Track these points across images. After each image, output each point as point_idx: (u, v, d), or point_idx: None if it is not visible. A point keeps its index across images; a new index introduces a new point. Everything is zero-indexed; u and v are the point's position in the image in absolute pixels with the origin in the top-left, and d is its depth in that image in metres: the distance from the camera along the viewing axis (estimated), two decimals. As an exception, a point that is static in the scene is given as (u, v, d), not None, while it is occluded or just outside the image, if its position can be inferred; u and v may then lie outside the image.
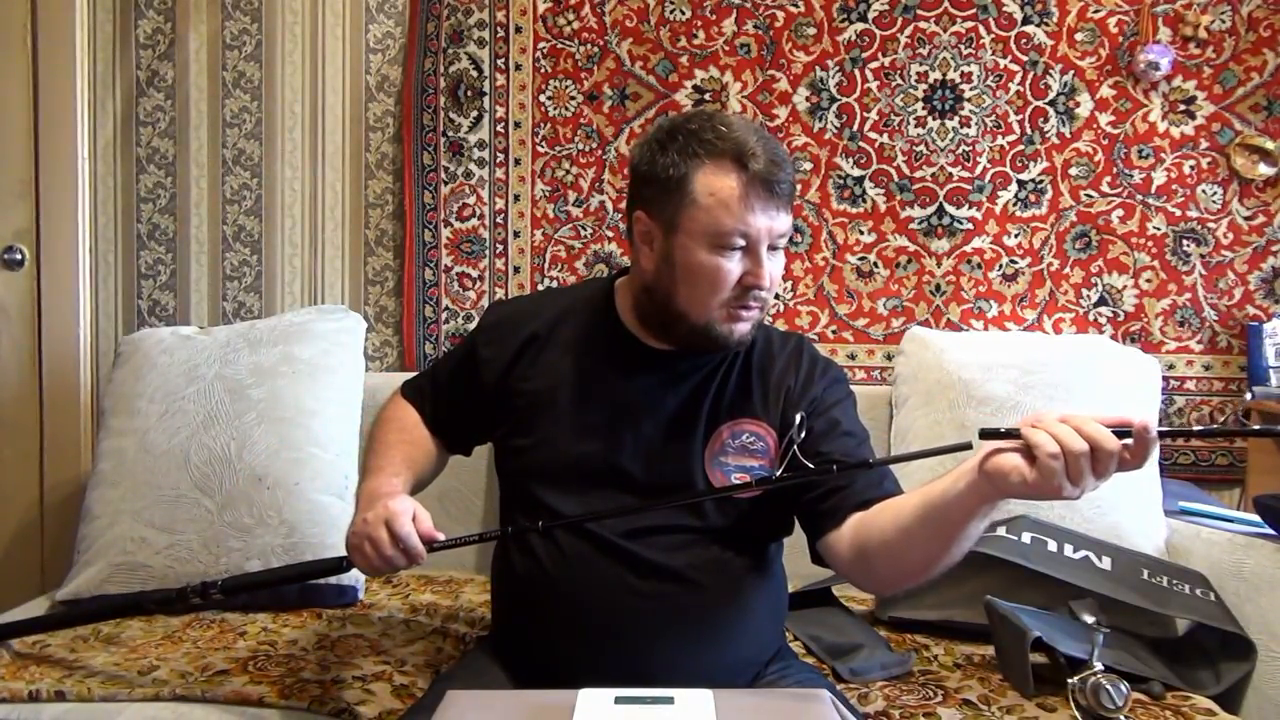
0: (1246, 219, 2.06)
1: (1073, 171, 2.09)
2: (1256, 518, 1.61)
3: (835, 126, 2.13)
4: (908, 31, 2.11)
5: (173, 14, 2.27)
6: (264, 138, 2.27)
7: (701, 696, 0.94)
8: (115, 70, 2.29)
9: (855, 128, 2.13)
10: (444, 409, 1.38)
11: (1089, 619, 1.36)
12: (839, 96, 2.13)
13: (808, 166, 2.13)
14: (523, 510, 1.24)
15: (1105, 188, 2.09)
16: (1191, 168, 2.07)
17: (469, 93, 2.20)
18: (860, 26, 2.12)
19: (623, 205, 1.85)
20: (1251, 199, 2.06)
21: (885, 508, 1.12)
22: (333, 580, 1.68)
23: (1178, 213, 2.07)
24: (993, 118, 2.10)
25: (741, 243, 1.14)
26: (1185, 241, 2.07)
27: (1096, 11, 2.07)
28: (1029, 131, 2.09)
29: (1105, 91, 2.08)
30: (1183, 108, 2.06)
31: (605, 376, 1.26)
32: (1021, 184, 2.10)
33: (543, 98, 2.19)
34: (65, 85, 2.21)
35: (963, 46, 2.10)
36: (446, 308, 2.23)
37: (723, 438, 1.23)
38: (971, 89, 2.10)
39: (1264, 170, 2.04)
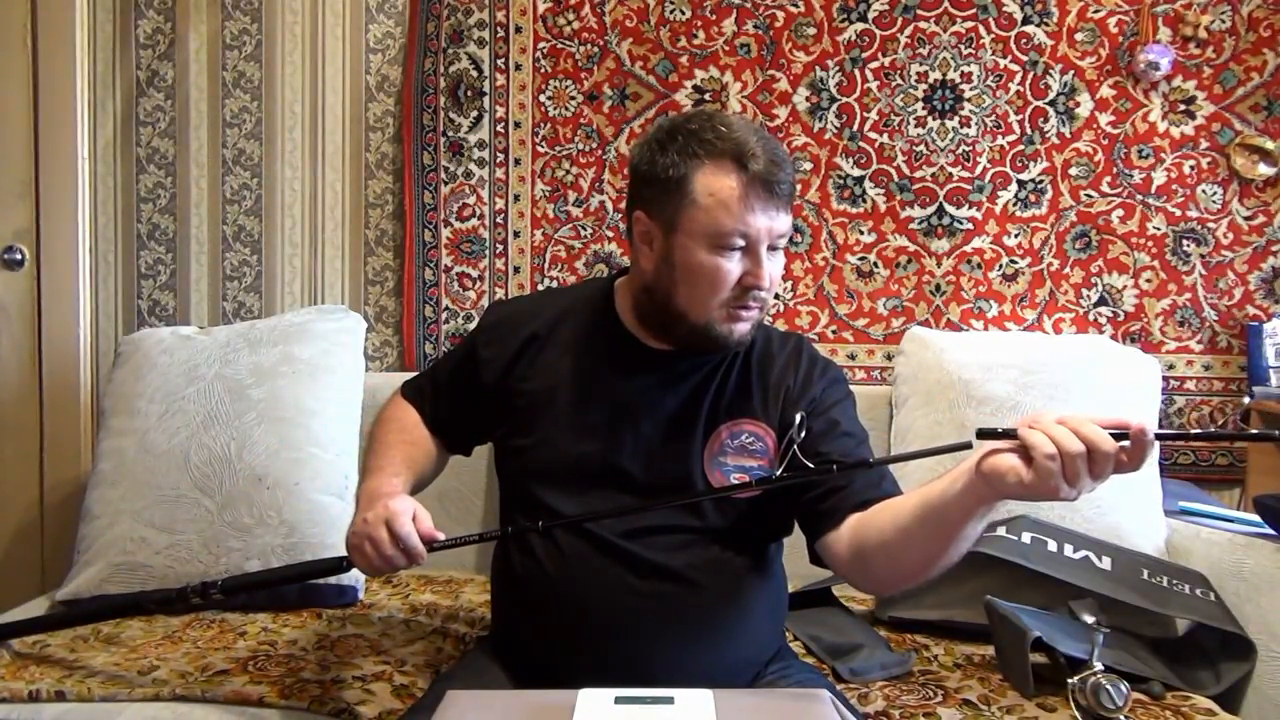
0: (1246, 219, 2.06)
1: (1073, 171, 2.09)
2: (1256, 518, 1.61)
3: (835, 126, 2.13)
4: (908, 31, 2.11)
5: (173, 14, 2.27)
6: (264, 138, 2.27)
7: (701, 696, 0.94)
8: (115, 70, 2.29)
9: (855, 128, 2.13)
10: (444, 409, 1.38)
11: (1089, 619, 1.36)
12: (839, 96, 2.13)
13: (808, 166, 2.13)
14: (523, 510, 1.24)
15: (1105, 188, 2.09)
16: (1191, 168, 2.07)
17: (469, 93, 2.20)
18: (860, 26, 2.12)
19: (623, 205, 1.85)
20: (1251, 199, 2.06)
21: (884, 508, 1.12)
22: (333, 580, 1.68)
23: (1178, 213, 2.07)
24: (993, 118, 2.10)
25: (741, 243, 1.14)
26: (1185, 241, 2.07)
27: (1096, 11, 2.07)
28: (1029, 131, 2.09)
29: (1105, 91, 2.08)
30: (1183, 108, 2.06)
31: (605, 376, 1.26)
32: (1021, 184, 2.10)
33: (543, 98, 2.19)
34: (65, 85, 2.21)
35: (963, 46, 2.10)
36: (446, 308, 2.23)
37: (722, 438, 1.23)
38: (971, 89, 2.10)
39: (1264, 170, 2.04)
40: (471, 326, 2.02)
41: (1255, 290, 2.06)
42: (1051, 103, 2.09)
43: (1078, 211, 2.10)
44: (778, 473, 1.18)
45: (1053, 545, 1.58)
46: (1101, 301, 2.10)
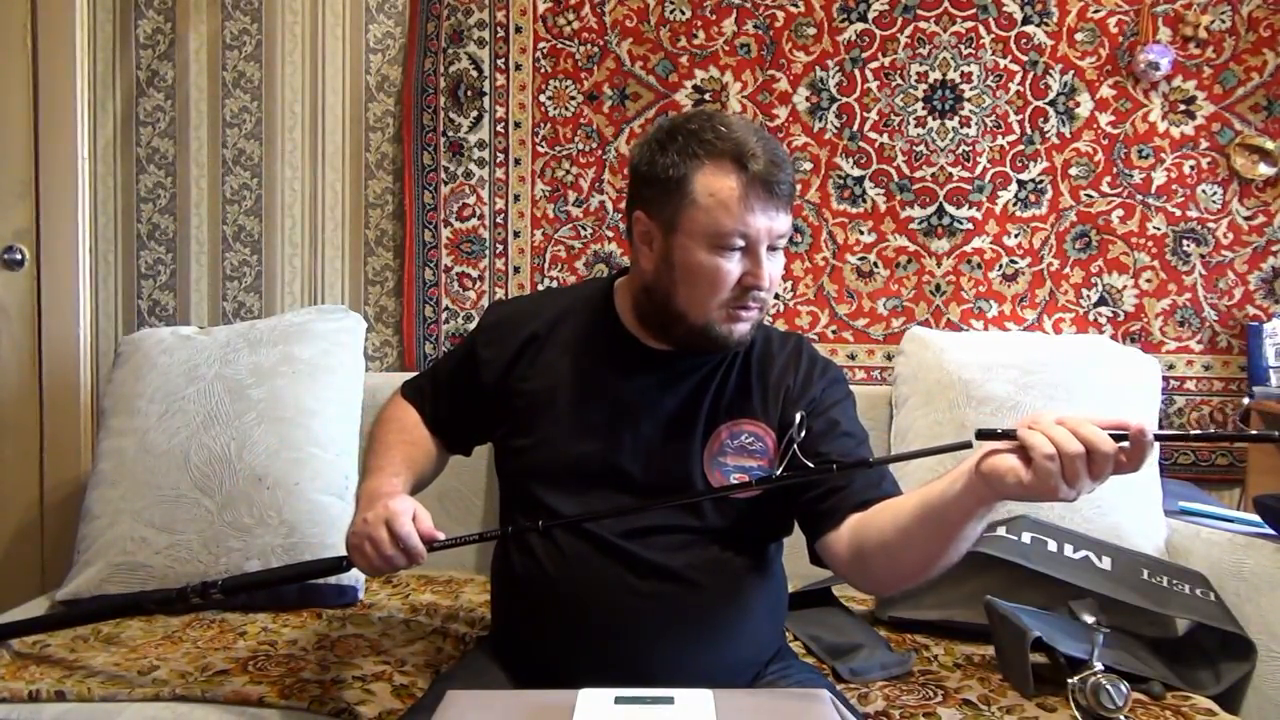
0: (1246, 219, 2.06)
1: (1073, 171, 2.09)
2: (1256, 518, 1.61)
3: (835, 126, 2.13)
4: (908, 31, 2.11)
5: (173, 14, 2.27)
6: (264, 138, 2.27)
7: (701, 696, 0.94)
8: (115, 70, 2.29)
9: (855, 128, 2.13)
10: (444, 409, 1.39)
11: (1089, 619, 1.36)
12: (839, 96, 2.13)
13: (808, 166, 2.13)
14: (522, 510, 1.24)
15: (1105, 188, 2.09)
16: (1191, 168, 2.07)
17: (469, 93, 2.20)
18: (860, 26, 2.12)
19: (623, 205, 1.85)
20: (1251, 199, 2.06)
21: (883, 509, 1.12)
22: (333, 580, 1.68)
23: (1178, 213, 2.07)
24: (993, 118, 2.10)
25: (741, 243, 1.14)
26: (1185, 241, 2.07)
27: (1096, 11, 2.07)
28: (1029, 131, 2.09)
29: (1105, 91, 2.08)
30: (1183, 108, 2.06)
31: (604, 376, 1.26)
32: (1021, 184, 2.10)
33: (543, 98, 2.19)
34: (65, 85, 2.21)
35: (963, 46, 2.10)
36: (446, 308, 2.23)
37: (721, 438, 1.23)
38: (971, 89, 2.10)
39: (1264, 170, 2.04)
40: (471, 326, 2.02)
41: (1255, 290, 2.06)
42: (1051, 103, 2.09)
43: (1078, 211, 2.10)
44: (777, 472, 1.18)
45: (1053, 545, 1.58)
46: (1101, 301, 2.10)
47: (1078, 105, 2.08)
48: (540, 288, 2.20)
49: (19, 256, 2.23)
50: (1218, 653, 1.47)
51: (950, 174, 2.11)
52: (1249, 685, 1.44)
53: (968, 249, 2.12)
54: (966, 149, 2.11)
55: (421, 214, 2.22)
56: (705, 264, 1.15)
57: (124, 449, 1.80)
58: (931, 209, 2.12)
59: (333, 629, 1.61)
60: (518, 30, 2.19)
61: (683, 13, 2.15)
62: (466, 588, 1.83)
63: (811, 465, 1.14)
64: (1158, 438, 0.92)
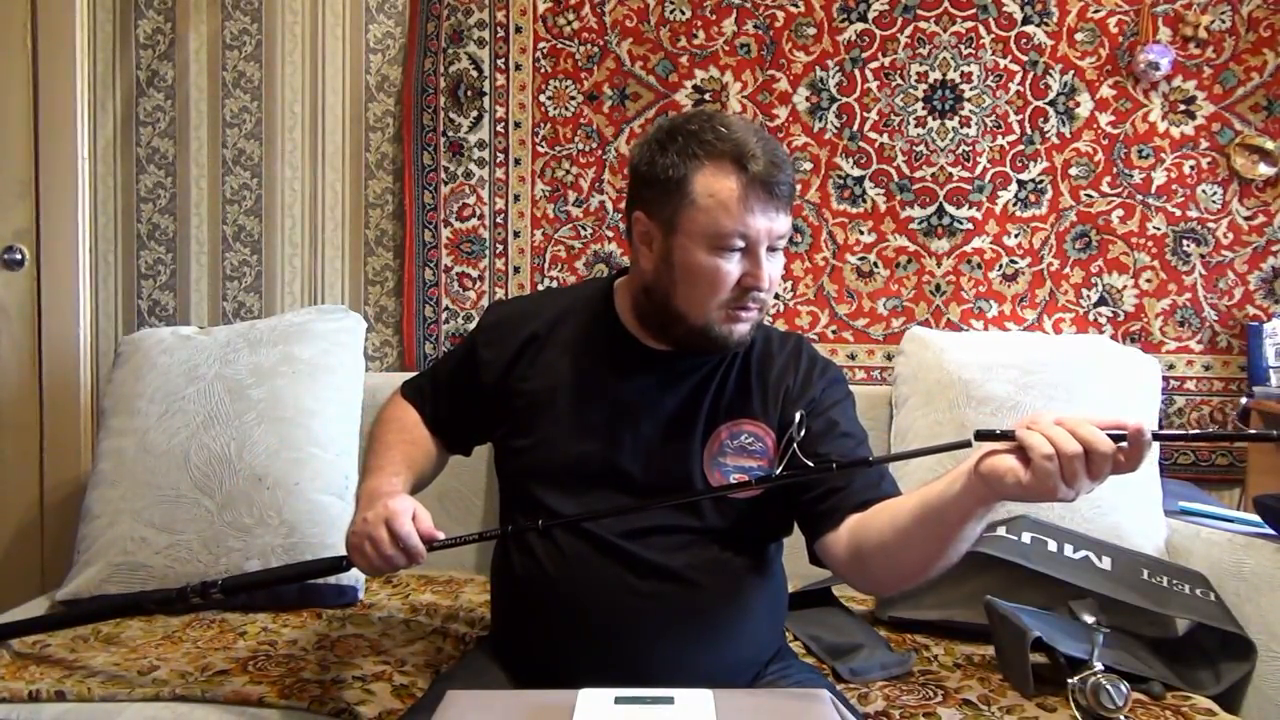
0: (1246, 219, 2.06)
1: (1073, 171, 2.09)
2: (1256, 518, 1.61)
3: (835, 126, 2.13)
4: (908, 31, 2.11)
5: (173, 14, 2.27)
6: (264, 138, 2.27)
7: (701, 696, 0.94)
8: (115, 70, 2.29)
9: (855, 128, 2.13)
10: (444, 409, 1.39)
11: (1089, 619, 1.37)
12: (839, 96, 2.13)
13: (808, 166, 2.13)
14: (522, 510, 1.24)
15: (1105, 188, 2.09)
16: (1191, 168, 2.07)
17: (469, 93, 2.20)
18: (860, 26, 2.12)
19: (623, 205, 1.85)
20: (1251, 199, 2.06)
21: (882, 509, 1.12)
22: (332, 580, 1.69)
23: (1178, 213, 2.07)
24: (993, 118, 2.10)
25: (740, 244, 1.14)
26: (1185, 241, 2.07)
27: (1096, 11, 2.07)
28: (1029, 131, 2.09)
29: (1105, 91, 2.08)
30: (1183, 108, 2.06)
31: (604, 377, 1.26)
32: (1021, 184, 2.10)
33: (543, 98, 2.19)
34: (65, 85, 2.21)
35: (963, 46, 2.10)
36: (446, 308, 2.23)
37: (721, 438, 1.23)
38: (971, 89, 2.10)
39: (1264, 170, 2.04)
40: (471, 326, 2.02)
41: (1255, 290, 2.06)
42: (1051, 103, 2.09)
43: (1078, 211, 2.10)
44: (777, 472, 1.18)
45: (1053, 545, 1.58)
46: (1101, 301, 2.10)
47: (1078, 105, 2.08)
48: (540, 288, 2.20)
49: (19, 256, 2.23)
50: (1218, 653, 1.47)
51: (950, 174, 2.11)
52: (1249, 685, 1.44)
53: (968, 249, 2.12)
54: (966, 149, 2.11)
55: (421, 214, 2.22)
56: (705, 264, 1.15)
57: (124, 449, 1.80)
58: (931, 209, 2.12)
59: (333, 629, 1.61)
60: (518, 30, 2.19)
61: (683, 13, 2.15)
62: (466, 588, 1.83)
63: (811, 465, 1.14)
64: (1156, 437, 0.92)
